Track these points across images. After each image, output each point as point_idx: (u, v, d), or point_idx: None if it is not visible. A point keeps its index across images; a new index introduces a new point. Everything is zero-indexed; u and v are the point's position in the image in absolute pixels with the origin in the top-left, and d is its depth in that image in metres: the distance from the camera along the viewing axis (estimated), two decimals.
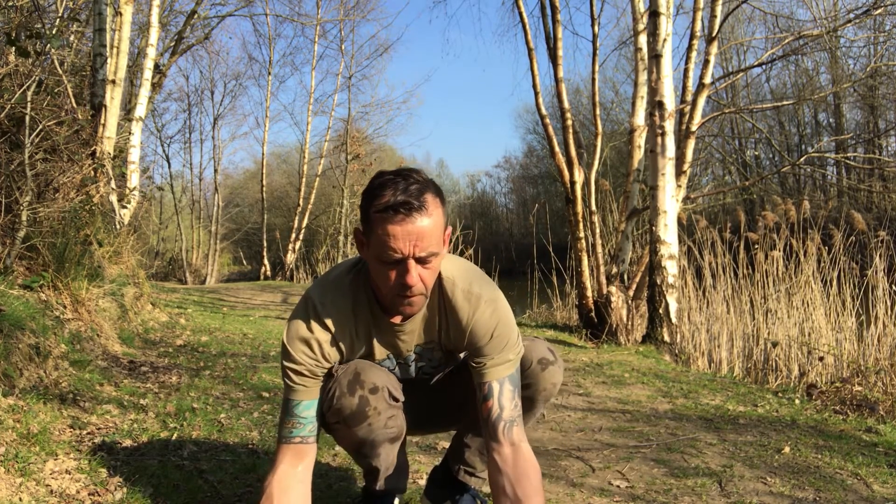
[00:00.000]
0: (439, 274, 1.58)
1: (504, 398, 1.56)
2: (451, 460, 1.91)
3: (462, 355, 1.71)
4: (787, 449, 2.70)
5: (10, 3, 4.51)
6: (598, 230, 7.23)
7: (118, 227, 5.78)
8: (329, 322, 1.54)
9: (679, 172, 6.23)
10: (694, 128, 6.52)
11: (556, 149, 7.13)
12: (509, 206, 36.63)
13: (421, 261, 1.42)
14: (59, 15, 5.60)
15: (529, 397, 1.70)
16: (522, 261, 9.20)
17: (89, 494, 1.87)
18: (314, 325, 1.54)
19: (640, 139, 7.12)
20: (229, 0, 15.87)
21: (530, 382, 1.68)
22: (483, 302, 1.56)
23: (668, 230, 5.71)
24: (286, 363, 1.54)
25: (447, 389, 1.79)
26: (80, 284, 3.75)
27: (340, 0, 19.60)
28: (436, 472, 2.00)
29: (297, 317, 1.56)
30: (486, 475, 1.84)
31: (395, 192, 1.39)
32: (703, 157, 18.75)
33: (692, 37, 6.56)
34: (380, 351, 1.63)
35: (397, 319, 1.58)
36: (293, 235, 18.23)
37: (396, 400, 1.62)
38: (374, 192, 1.42)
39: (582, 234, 6.99)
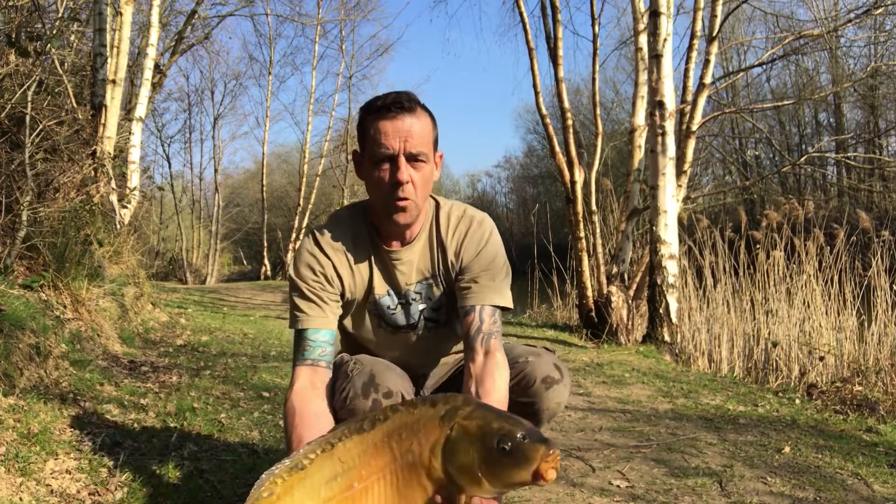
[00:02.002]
0: (437, 203, 1.65)
1: (484, 314, 1.57)
2: None
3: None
4: (787, 449, 2.70)
5: (10, 3, 4.51)
6: (598, 230, 7.23)
7: (118, 226, 5.78)
8: (329, 248, 1.60)
9: (679, 172, 6.23)
10: (694, 127, 6.51)
11: (557, 148, 7.13)
12: (509, 206, 36.65)
13: (412, 159, 1.49)
14: (59, 15, 5.60)
15: (533, 415, 1.67)
16: (523, 260, 9.19)
17: (89, 494, 1.87)
18: (315, 249, 1.60)
19: (641, 139, 7.11)
20: (230, 0, 15.90)
21: (534, 401, 1.65)
22: (475, 222, 1.64)
23: (668, 230, 5.71)
24: (294, 293, 1.59)
25: (450, 389, 1.79)
26: (80, 284, 3.75)
27: (341, 0, 19.64)
28: None
29: (300, 247, 1.63)
30: None
31: (387, 97, 1.51)
32: (704, 156, 18.73)
33: (692, 37, 6.55)
34: (379, 284, 1.64)
35: (396, 246, 1.62)
36: (293, 235, 18.26)
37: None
38: (369, 103, 1.54)
39: (582, 234, 6.98)
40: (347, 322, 1.70)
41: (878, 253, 5.38)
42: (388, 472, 1.16)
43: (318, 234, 1.62)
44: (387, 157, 1.48)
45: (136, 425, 2.56)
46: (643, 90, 7.04)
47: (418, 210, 1.57)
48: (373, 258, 1.63)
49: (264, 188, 19.91)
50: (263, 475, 1.17)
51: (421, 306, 1.67)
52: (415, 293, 1.66)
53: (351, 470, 1.16)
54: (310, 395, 1.49)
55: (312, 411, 1.45)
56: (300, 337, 1.57)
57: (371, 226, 1.63)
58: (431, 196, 1.68)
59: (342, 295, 1.62)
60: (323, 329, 1.57)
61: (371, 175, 1.52)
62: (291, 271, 1.60)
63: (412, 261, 1.63)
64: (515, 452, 1.11)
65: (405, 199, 1.50)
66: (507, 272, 1.66)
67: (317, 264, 1.58)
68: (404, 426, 1.17)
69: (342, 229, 1.63)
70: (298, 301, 1.57)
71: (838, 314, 5.45)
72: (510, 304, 1.64)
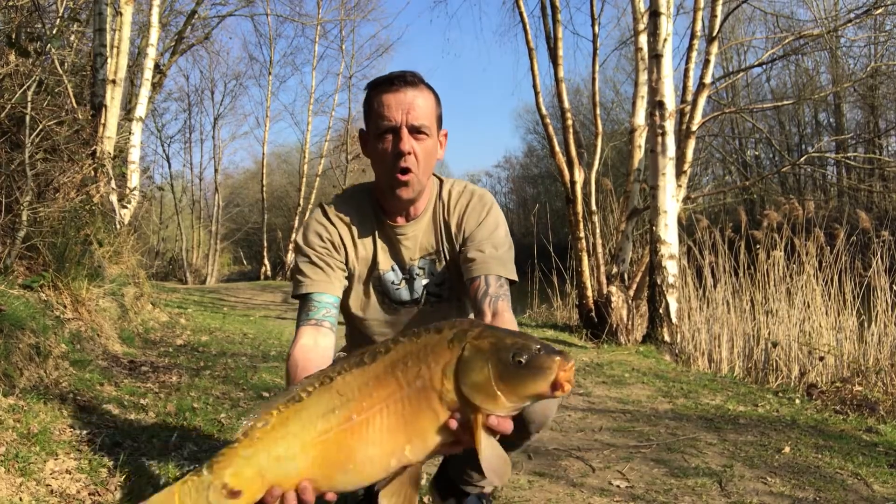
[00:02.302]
0: (441, 182, 1.68)
1: (490, 279, 1.58)
2: (450, 469, 1.85)
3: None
4: (787, 449, 2.70)
5: (10, 3, 4.51)
6: (598, 230, 7.23)
7: (118, 226, 5.78)
8: (336, 219, 1.63)
9: (679, 172, 6.23)
10: (694, 128, 6.51)
11: (557, 149, 7.13)
12: (509, 206, 36.63)
13: (414, 131, 1.51)
14: (59, 15, 5.59)
15: (518, 427, 1.61)
16: (523, 261, 9.18)
17: (89, 494, 1.87)
18: (323, 219, 1.64)
19: (641, 139, 7.11)
20: (230, 0, 15.90)
21: (520, 415, 1.59)
22: (476, 195, 1.67)
23: (668, 230, 5.71)
24: (299, 258, 1.61)
25: None
26: (80, 284, 3.75)
27: (341, 0, 19.64)
28: (441, 469, 1.95)
29: (308, 218, 1.67)
30: (483, 483, 1.80)
31: (391, 73, 1.55)
32: (704, 156, 18.73)
33: (692, 37, 6.56)
34: (384, 259, 1.66)
35: (401, 221, 1.64)
36: (293, 235, 18.24)
37: None
38: (374, 80, 1.58)
39: (582, 234, 6.98)
40: (353, 302, 1.70)
41: (878, 253, 5.38)
42: (392, 401, 1.14)
43: (325, 206, 1.66)
44: (389, 128, 1.51)
45: (136, 425, 2.56)
46: (643, 90, 7.04)
47: (421, 185, 1.58)
48: (377, 233, 1.65)
49: (264, 188, 19.91)
50: (260, 405, 1.15)
51: (424, 281, 1.68)
52: (419, 268, 1.67)
53: (350, 403, 1.14)
54: (313, 353, 1.49)
55: (315, 364, 1.44)
56: (305, 300, 1.57)
57: (376, 203, 1.65)
58: (436, 175, 1.70)
59: (346, 264, 1.64)
60: (328, 293, 1.58)
61: (375, 148, 1.55)
62: (299, 239, 1.63)
63: (416, 236, 1.65)
64: (532, 364, 1.10)
65: (408, 169, 1.52)
66: (510, 245, 1.66)
67: (324, 231, 1.61)
68: (409, 355, 1.15)
69: (348, 205, 1.65)
70: (305, 267, 1.59)
71: (838, 314, 5.45)
72: (515, 277, 1.64)
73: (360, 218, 1.64)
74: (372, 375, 1.15)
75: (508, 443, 1.64)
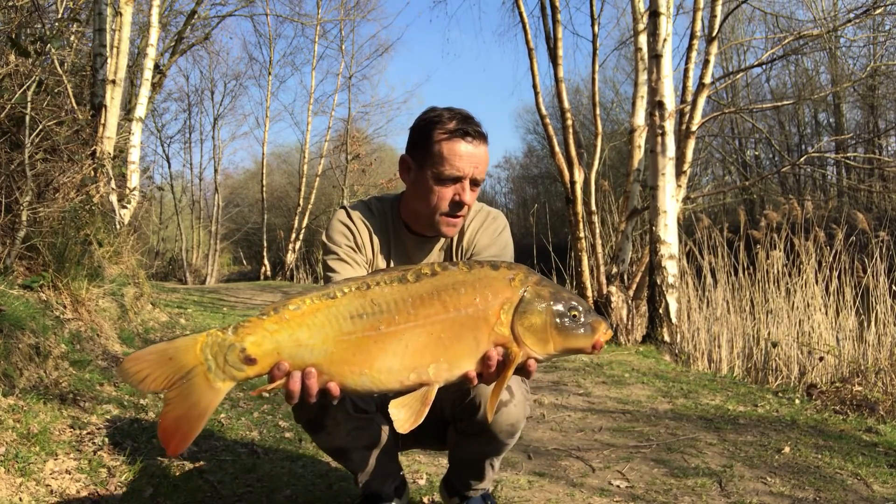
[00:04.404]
0: None
1: None
2: (453, 479, 1.86)
3: None
4: (787, 449, 2.70)
5: (10, 3, 4.51)
6: (598, 230, 7.23)
7: (118, 227, 5.77)
8: (360, 222, 1.70)
9: (679, 172, 6.23)
10: (694, 128, 6.51)
11: (556, 149, 7.13)
12: (509, 206, 36.61)
13: (474, 183, 1.60)
14: (59, 15, 5.59)
15: (487, 441, 1.63)
16: (523, 261, 9.14)
17: (89, 494, 1.87)
18: (348, 220, 1.70)
19: (640, 139, 7.11)
20: (229, 0, 15.89)
21: (483, 426, 1.58)
22: (491, 216, 1.77)
23: (668, 230, 5.71)
24: (327, 256, 1.66)
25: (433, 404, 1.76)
26: (80, 284, 3.74)
27: (341, 0, 19.64)
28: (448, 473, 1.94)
29: (333, 219, 1.74)
30: (482, 485, 1.81)
31: (459, 120, 1.58)
32: (703, 157, 18.73)
33: (692, 37, 6.56)
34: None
35: (419, 237, 1.73)
36: (293, 235, 18.24)
37: (364, 411, 1.62)
38: (438, 118, 1.60)
39: (582, 234, 6.99)
40: None
41: (878, 253, 5.38)
42: (430, 322, 1.19)
43: (349, 210, 1.73)
44: (455, 178, 1.57)
45: (136, 425, 2.56)
46: (643, 90, 7.04)
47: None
48: (393, 244, 1.72)
49: (264, 188, 19.91)
50: (295, 293, 1.21)
51: None
52: None
53: (381, 314, 1.19)
54: None
55: None
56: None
57: (398, 218, 1.72)
58: None
59: (365, 261, 1.70)
60: None
61: (428, 187, 1.59)
62: (325, 239, 1.70)
63: (430, 250, 1.73)
64: (584, 322, 1.23)
65: (461, 216, 1.62)
66: (512, 256, 1.75)
67: (348, 232, 1.69)
68: (462, 283, 1.21)
69: (371, 214, 1.72)
70: (333, 263, 1.65)
71: (837, 314, 5.45)
72: None
73: (381, 227, 1.71)
74: (414, 294, 1.20)
75: (487, 449, 1.66)
